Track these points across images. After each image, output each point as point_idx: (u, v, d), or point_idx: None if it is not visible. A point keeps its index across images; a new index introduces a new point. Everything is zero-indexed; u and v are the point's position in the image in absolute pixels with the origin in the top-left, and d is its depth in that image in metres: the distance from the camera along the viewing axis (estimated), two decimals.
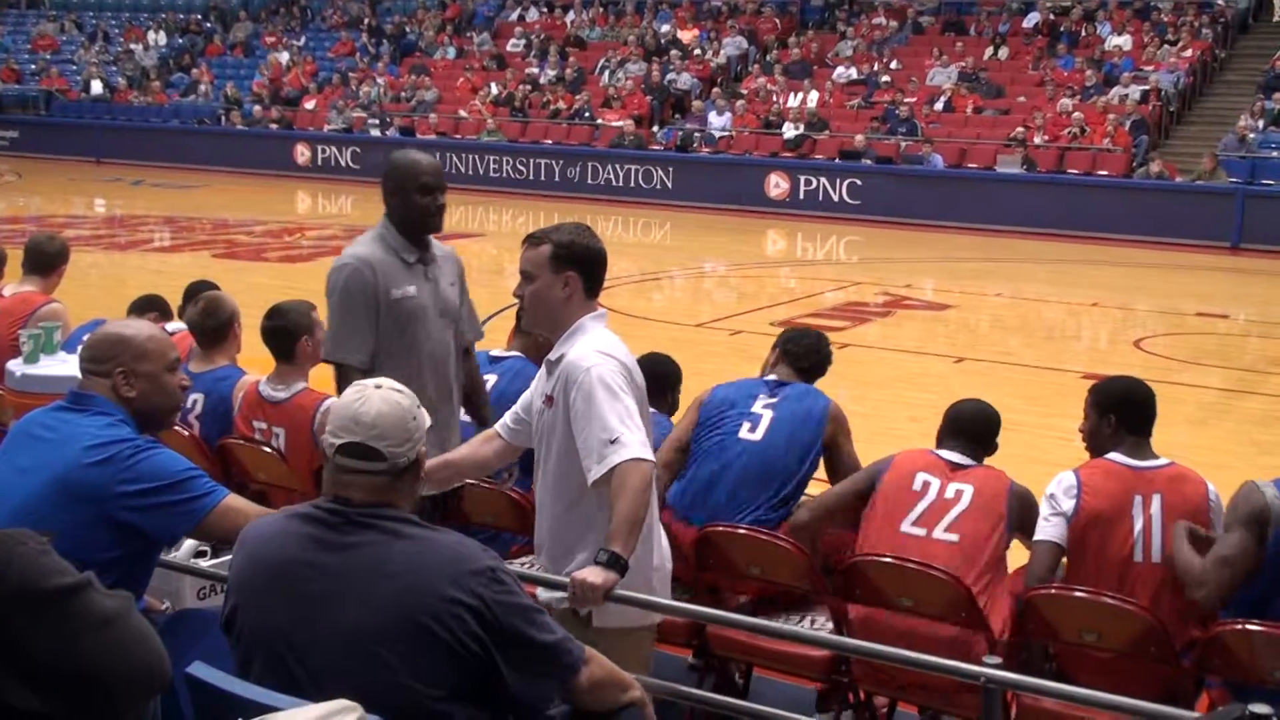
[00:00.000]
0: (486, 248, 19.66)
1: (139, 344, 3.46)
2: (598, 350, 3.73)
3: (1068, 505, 4.24)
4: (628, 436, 3.62)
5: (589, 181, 26.06)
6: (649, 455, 3.67)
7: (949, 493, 4.43)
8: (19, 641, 1.99)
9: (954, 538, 4.34)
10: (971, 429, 4.68)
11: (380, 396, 2.87)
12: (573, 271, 3.80)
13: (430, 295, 4.70)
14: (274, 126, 30.57)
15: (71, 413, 3.37)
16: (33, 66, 35.83)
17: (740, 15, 31.22)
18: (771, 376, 5.11)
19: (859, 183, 23.51)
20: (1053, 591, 4.16)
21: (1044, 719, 4.09)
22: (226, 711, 2.46)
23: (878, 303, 15.46)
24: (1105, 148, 23.02)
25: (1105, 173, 22.71)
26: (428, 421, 3.00)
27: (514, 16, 33.77)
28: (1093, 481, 4.27)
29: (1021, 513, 4.44)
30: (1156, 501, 4.17)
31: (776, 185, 24.20)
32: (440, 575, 2.74)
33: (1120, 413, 4.41)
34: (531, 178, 26.69)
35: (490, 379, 5.38)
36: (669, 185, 25.28)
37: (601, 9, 33.16)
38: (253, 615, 2.82)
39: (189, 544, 4.24)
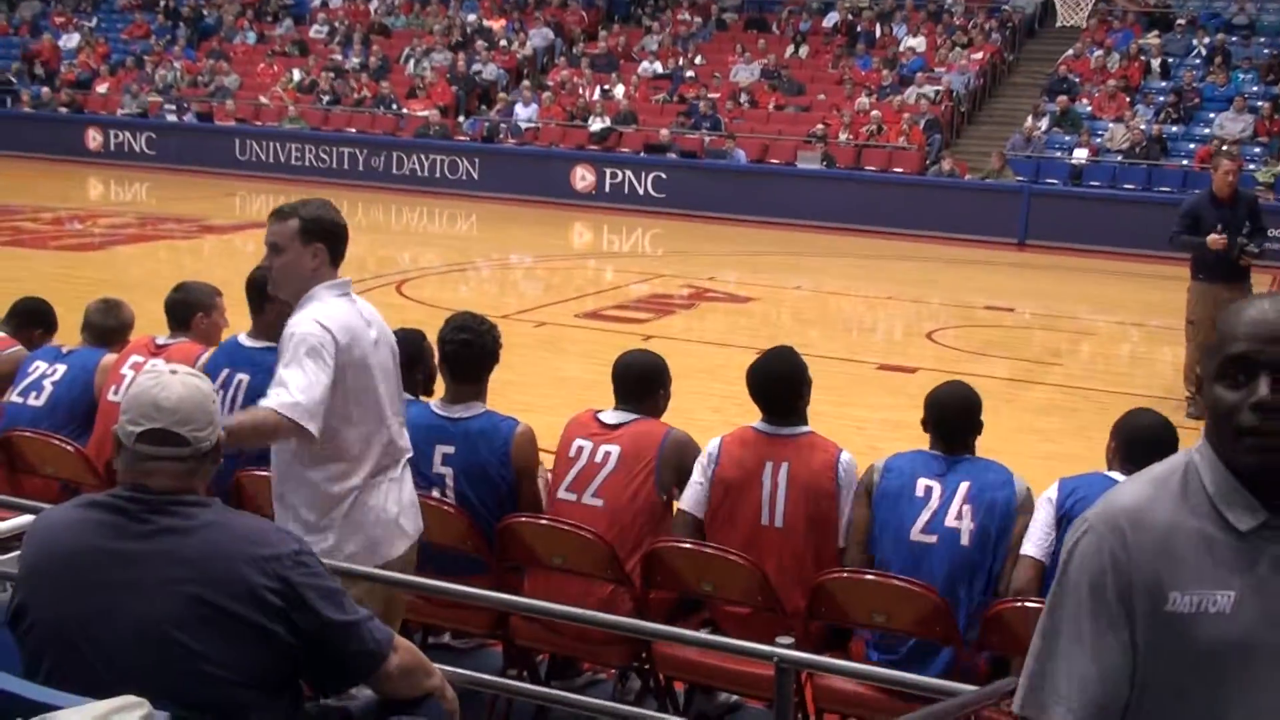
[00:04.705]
0: None
1: None
2: (314, 319, 3.85)
3: (706, 474, 4.62)
4: (289, 390, 3.72)
5: (394, 171, 25.71)
6: (293, 415, 3.70)
7: (598, 456, 4.71)
8: None
9: (599, 502, 4.65)
10: (622, 384, 4.91)
11: (179, 381, 2.82)
12: (320, 244, 3.96)
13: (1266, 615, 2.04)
14: (63, 110, 29.38)
15: None
16: None
17: (546, 7, 31.19)
18: None
19: (664, 176, 23.72)
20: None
21: (836, 698, 4.22)
22: (6, 712, 2.39)
23: (682, 295, 15.64)
24: (900, 145, 23.70)
25: (900, 170, 23.39)
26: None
27: (317, 2, 33.12)
28: (730, 450, 4.64)
29: (679, 464, 4.71)
30: (784, 469, 4.54)
31: (583, 178, 24.26)
32: (240, 558, 2.71)
33: (754, 394, 4.79)
34: (335, 166, 26.20)
35: (243, 377, 4.87)
36: (475, 176, 25.11)
37: None
38: (44, 608, 2.74)
39: None
